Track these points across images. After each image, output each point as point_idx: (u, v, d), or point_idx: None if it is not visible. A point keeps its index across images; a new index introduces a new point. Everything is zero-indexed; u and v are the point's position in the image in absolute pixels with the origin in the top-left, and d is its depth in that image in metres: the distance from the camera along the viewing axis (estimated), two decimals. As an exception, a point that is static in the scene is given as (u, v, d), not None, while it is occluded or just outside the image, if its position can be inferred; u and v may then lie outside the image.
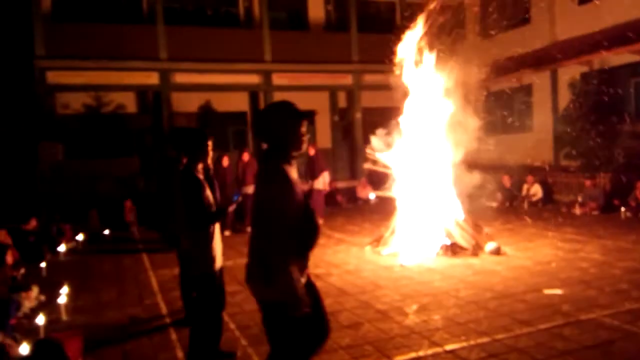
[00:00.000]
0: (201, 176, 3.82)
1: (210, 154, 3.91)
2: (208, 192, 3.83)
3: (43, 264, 7.71)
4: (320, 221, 11.31)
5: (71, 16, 14.76)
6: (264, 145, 2.59)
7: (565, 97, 13.42)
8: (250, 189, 10.74)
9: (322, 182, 11.12)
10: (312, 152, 11.18)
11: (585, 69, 13.29)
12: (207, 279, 3.77)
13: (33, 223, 9.09)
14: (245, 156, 11.10)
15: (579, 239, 8.34)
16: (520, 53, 14.68)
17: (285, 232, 2.39)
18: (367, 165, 12.81)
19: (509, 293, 5.58)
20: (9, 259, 6.62)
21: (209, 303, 3.78)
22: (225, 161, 10.60)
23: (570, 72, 13.30)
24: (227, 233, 10.00)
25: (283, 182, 2.41)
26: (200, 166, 3.84)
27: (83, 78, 14.08)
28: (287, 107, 2.57)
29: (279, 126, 2.53)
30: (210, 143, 3.89)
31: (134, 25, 15.11)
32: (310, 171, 11.09)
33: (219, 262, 3.86)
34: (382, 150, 8.65)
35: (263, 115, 2.67)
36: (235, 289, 6.24)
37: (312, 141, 11.70)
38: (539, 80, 14.93)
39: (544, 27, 14.66)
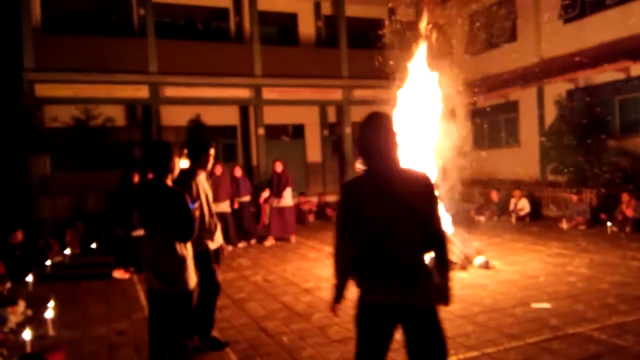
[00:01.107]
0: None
1: (211, 162, 4.15)
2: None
3: (30, 278, 7.61)
4: (293, 238, 10.97)
5: (61, 29, 14.77)
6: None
7: (551, 113, 13.64)
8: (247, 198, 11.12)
9: (289, 198, 10.99)
10: (279, 168, 10.95)
11: (570, 86, 13.54)
12: (188, 298, 3.69)
13: (19, 236, 8.99)
14: (237, 171, 11.19)
15: (567, 253, 8.42)
16: (507, 70, 14.93)
17: None
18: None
19: (497, 307, 5.61)
20: (-5, 272, 6.55)
21: (185, 324, 3.69)
22: (218, 170, 10.33)
23: (556, 89, 13.53)
24: (230, 248, 9.86)
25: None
26: (169, 179, 3.73)
27: (72, 91, 14.02)
28: None
29: None
30: (212, 152, 4.11)
31: (124, 38, 15.14)
32: (276, 188, 10.88)
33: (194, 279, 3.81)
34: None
35: None
36: (225, 303, 6.21)
37: (279, 158, 11.58)
38: (526, 97, 15.17)
39: (530, 45, 14.94)
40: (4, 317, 5.59)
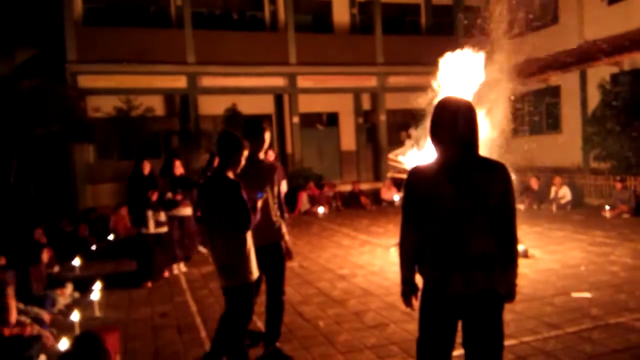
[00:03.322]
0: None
1: (242, 163, 3.75)
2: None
3: (76, 262, 7.93)
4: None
5: (102, 21, 15.15)
6: None
7: (594, 98, 13.19)
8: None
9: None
10: (271, 157, 10.65)
11: (615, 69, 13.04)
12: (246, 291, 3.62)
13: (66, 223, 9.38)
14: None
15: (609, 242, 8.19)
16: (549, 54, 14.49)
17: None
18: (390, 175, 12.80)
19: (537, 296, 5.53)
20: (45, 257, 6.85)
21: (243, 318, 3.62)
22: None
23: (600, 72, 13.07)
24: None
25: None
26: (230, 171, 3.67)
27: (113, 82, 14.42)
28: None
29: None
30: (245, 153, 3.72)
31: (162, 30, 15.43)
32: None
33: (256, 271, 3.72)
34: (405, 154, 8.64)
35: None
36: (261, 288, 6.33)
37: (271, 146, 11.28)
38: (568, 81, 14.70)
39: (572, 28, 14.44)
40: (53, 298, 5.86)
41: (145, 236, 6.94)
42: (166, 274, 7.34)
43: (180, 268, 7.65)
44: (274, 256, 4.14)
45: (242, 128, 4.20)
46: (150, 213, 6.91)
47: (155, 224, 6.97)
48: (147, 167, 7.14)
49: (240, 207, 3.48)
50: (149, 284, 6.92)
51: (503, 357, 2.56)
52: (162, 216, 7.07)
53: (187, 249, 8.05)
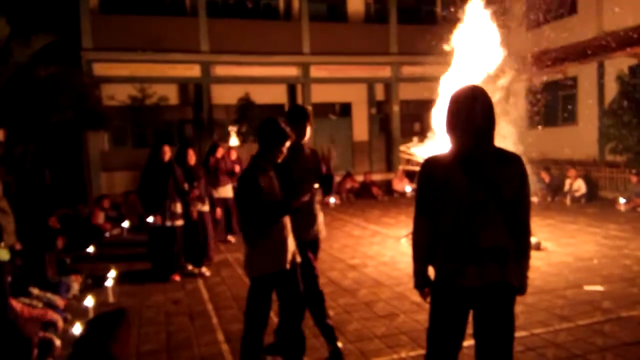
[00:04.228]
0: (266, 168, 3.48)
1: (283, 154, 3.52)
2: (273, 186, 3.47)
3: (91, 249, 8.05)
4: None
5: (117, 8, 15.19)
6: None
7: (612, 90, 12.98)
8: None
9: None
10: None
11: (633, 61, 12.80)
12: (254, 284, 3.47)
13: (80, 210, 9.50)
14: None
15: (623, 235, 8.11)
16: (566, 44, 14.26)
17: None
18: (401, 167, 12.75)
19: (548, 288, 5.51)
20: (59, 243, 6.97)
21: (252, 314, 3.47)
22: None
23: (618, 64, 12.84)
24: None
25: None
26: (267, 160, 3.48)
27: (127, 70, 14.50)
28: None
29: None
30: (287, 144, 3.49)
31: (177, 18, 15.43)
32: None
33: (283, 261, 3.46)
34: (417, 146, 8.60)
35: None
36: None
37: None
38: (585, 73, 14.47)
39: (591, 18, 14.18)
40: (68, 284, 5.95)
41: (163, 229, 6.45)
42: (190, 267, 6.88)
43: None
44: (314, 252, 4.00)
45: (286, 115, 3.99)
46: (168, 204, 6.41)
47: (173, 217, 6.47)
48: (167, 154, 6.55)
49: (249, 201, 3.34)
50: (177, 277, 6.56)
51: (513, 348, 2.56)
52: (179, 208, 6.55)
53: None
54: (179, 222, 6.56)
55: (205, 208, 7.28)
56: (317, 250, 4.07)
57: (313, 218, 3.95)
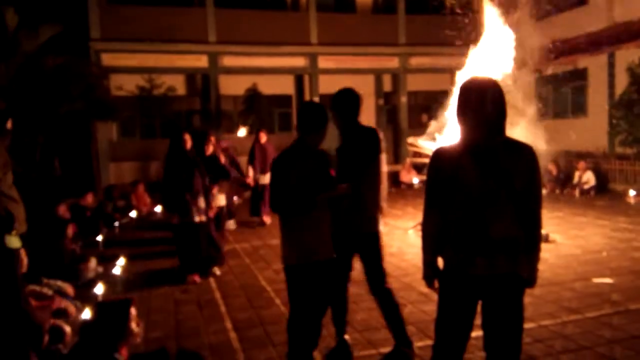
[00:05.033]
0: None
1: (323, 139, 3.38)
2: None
3: (100, 238, 8.10)
4: (268, 219, 9.49)
5: (125, -1, 15.21)
6: None
7: (622, 82, 12.84)
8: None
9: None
10: (263, 139, 9.55)
11: (645, 52, 12.66)
12: (289, 273, 3.39)
13: (89, 199, 9.54)
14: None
15: (632, 228, 8.06)
16: (577, 35, 14.11)
17: None
18: (409, 159, 12.71)
19: (556, 281, 5.49)
20: (69, 232, 7.01)
21: (294, 301, 3.40)
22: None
23: (629, 55, 12.69)
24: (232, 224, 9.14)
25: None
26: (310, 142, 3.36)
27: (136, 60, 14.54)
28: None
29: None
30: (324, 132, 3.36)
31: (184, 8, 15.42)
32: (261, 162, 9.32)
33: (311, 254, 3.33)
34: (425, 138, 8.57)
35: None
36: (281, 266, 6.39)
37: (262, 127, 10.23)
38: (596, 64, 14.32)
39: (601, 9, 14.00)
40: (77, 273, 6.01)
41: (191, 225, 5.94)
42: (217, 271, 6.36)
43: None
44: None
45: (335, 97, 3.86)
46: (196, 197, 5.93)
47: (200, 211, 5.99)
48: (188, 142, 6.03)
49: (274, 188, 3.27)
50: (197, 278, 6.01)
51: (522, 339, 2.56)
52: (202, 202, 6.02)
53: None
54: (204, 218, 6.07)
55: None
56: (371, 248, 3.90)
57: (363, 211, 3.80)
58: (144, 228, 9.74)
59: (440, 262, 2.61)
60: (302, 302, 3.36)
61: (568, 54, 14.02)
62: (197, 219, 5.94)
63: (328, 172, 3.45)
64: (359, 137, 3.81)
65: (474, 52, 8.08)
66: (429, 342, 3.77)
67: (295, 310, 3.41)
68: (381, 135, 3.93)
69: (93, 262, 6.52)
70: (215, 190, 6.60)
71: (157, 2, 15.17)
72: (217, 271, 6.34)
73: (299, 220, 3.30)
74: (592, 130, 14.01)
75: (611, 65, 13.88)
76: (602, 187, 12.14)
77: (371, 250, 3.88)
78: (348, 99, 3.85)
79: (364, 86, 18.37)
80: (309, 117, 3.35)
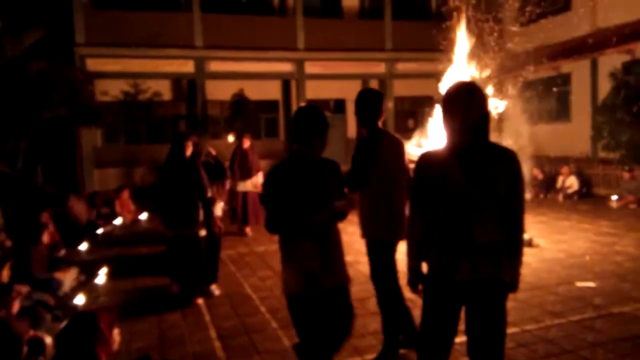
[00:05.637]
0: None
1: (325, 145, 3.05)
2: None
3: (83, 246, 8.00)
4: (248, 230, 9.11)
5: (110, 4, 15.10)
6: None
7: (605, 87, 13.02)
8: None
9: (255, 183, 8.98)
10: (246, 144, 9.17)
11: (627, 58, 12.85)
12: (291, 303, 2.99)
13: (78, 207, 9.40)
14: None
15: (615, 232, 8.15)
16: (560, 41, 14.29)
17: None
18: None
19: (540, 285, 5.53)
20: (45, 238, 6.86)
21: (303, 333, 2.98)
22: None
23: (612, 61, 12.87)
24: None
25: None
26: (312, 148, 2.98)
27: (121, 65, 14.43)
28: None
29: None
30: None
31: (171, 13, 15.35)
32: (243, 168, 9.04)
33: (314, 282, 2.92)
34: (412, 144, 8.58)
35: None
36: (266, 273, 6.38)
37: (246, 131, 9.92)
38: (579, 69, 14.51)
39: (585, 14, 14.20)
40: (59, 282, 5.91)
41: (192, 239, 5.41)
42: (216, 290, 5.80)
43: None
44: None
45: (358, 99, 3.68)
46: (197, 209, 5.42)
47: (200, 225, 5.49)
48: (189, 149, 5.51)
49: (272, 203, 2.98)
50: (200, 301, 5.47)
51: (505, 344, 2.57)
52: (201, 215, 5.49)
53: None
54: (203, 232, 5.54)
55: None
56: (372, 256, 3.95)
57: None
58: (128, 236, 9.64)
59: (424, 267, 2.61)
60: (309, 337, 2.94)
61: (552, 59, 14.19)
62: (201, 232, 5.47)
63: (339, 185, 3.12)
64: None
65: (458, 58, 8.14)
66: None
67: (304, 341, 2.99)
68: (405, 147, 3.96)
69: (75, 271, 6.42)
70: (219, 201, 6.23)
71: (143, 7, 15.11)
72: (215, 290, 5.77)
73: (300, 242, 2.92)
74: (575, 135, 14.18)
75: (594, 71, 14.07)
76: (586, 191, 12.27)
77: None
78: (365, 100, 3.72)
79: (351, 91, 18.40)
80: (306, 123, 2.96)
